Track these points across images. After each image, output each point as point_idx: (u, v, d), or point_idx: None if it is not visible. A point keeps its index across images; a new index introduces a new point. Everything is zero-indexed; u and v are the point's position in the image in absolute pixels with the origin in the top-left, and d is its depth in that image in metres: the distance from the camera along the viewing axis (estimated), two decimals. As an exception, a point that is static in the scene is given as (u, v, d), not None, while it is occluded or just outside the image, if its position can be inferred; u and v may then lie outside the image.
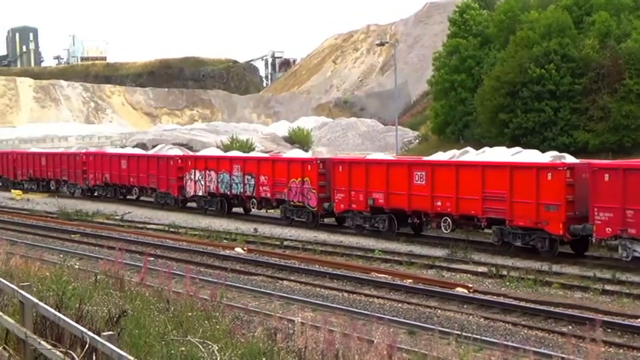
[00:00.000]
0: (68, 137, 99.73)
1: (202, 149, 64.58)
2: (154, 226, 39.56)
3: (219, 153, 49.34)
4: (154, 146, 75.26)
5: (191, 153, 51.62)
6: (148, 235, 35.77)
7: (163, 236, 35.41)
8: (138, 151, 57.71)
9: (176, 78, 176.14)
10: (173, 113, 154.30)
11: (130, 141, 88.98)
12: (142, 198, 49.85)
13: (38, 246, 31.82)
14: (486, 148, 36.87)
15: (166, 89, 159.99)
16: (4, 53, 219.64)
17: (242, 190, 40.47)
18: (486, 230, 30.39)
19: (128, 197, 50.54)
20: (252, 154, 50.78)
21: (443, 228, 31.06)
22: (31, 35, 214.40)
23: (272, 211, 40.82)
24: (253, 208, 40.83)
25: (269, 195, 38.98)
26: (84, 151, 57.39)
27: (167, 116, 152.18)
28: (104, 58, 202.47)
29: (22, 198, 54.68)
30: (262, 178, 39.30)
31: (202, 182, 43.03)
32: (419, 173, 31.80)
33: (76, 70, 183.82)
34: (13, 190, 57.17)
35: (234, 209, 42.54)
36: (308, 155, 42.65)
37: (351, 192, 34.46)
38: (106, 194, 51.89)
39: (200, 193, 43.33)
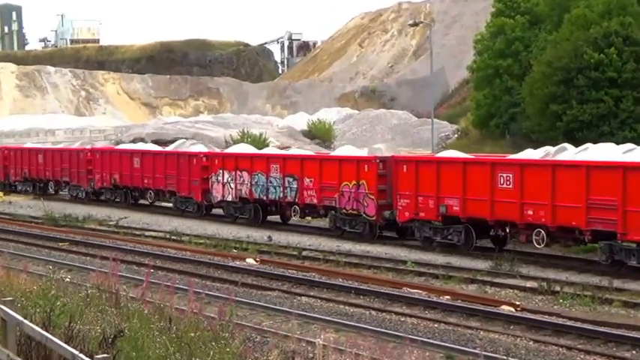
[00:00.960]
0: (56, 131, 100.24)
1: (209, 145, 64.74)
2: (153, 233, 39.72)
3: (252, 149, 47.11)
4: (153, 141, 75.61)
5: (218, 150, 49.84)
6: (147, 244, 35.94)
7: (164, 245, 35.57)
8: (153, 146, 55.50)
9: (179, 63, 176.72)
10: (175, 104, 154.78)
11: (127, 135, 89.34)
12: (157, 203, 48.75)
13: (22, 255, 32.03)
14: (589, 145, 34.13)
15: (168, 76, 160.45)
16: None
17: (281, 195, 39.16)
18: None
19: (141, 202, 49.42)
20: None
21: (535, 242, 29.68)
22: (13, 14, 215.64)
23: (311, 219, 39.87)
24: (295, 216, 39.56)
25: (315, 201, 37.60)
26: (89, 147, 56.10)
27: (169, 107, 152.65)
28: (97, 41, 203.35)
29: (2, 200, 55.01)
30: (307, 180, 37.89)
31: (232, 185, 41.69)
32: (504, 175, 30.41)
33: (65, 54, 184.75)
34: (-8, 192, 57.54)
35: (270, 217, 41.41)
36: (362, 153, 40.93)
37: (418, 197, 33.06)
38: (115, 198, 50.53)
39: (229, 199, 41.96)
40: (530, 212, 29.62)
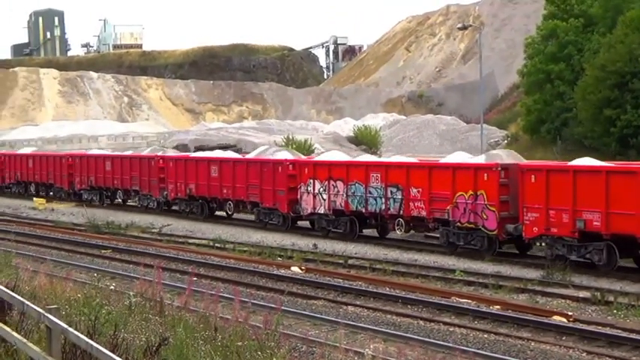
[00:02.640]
0: (98, 137, 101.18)
1: (252, 151, 65.03)
2: (196, 241, 39.92)
3: (344, 157, 44.66)
4: (196, 147, 76.16)
5: (303, 157, 46.90)
6: (190, 252, 36.13)
7: (208, 252, 35.73)
8: (232, 154, 53.66)
9: (222, 69, 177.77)
10: (219, 109, 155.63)
11: (170, 142, 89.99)
12: (236, 215, 46.40)
13: (64, 263, 32.32)
14: None
15: (211, 82, 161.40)
16: (26, 40, 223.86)
17: (383, 207, 36.59)
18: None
19: (218, 214, 47.23)
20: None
21: None
22: (56, 20, 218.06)
23: (415, 233, 37.58)
24: (399, 230, 36.39)
25: (424, 213, 34.91)
26: (160, 153, 53.81)
27: (212, 113, 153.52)
28: (139, 46, 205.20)
29: (45, 208, 55.60)
30: (414, 190, 35.28)
31: (324, 196, 39.32)
32: None
33: (108, 59, 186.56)
34: (35, 199, 58.13)
35: (365, 231, 39.17)
36: (470, 159, 38.29)
37: (548, 210, 30.28)
38: (191, 209, 47.93)
39: (321, 211, 39.56)
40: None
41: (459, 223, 33.52)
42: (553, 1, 76.43)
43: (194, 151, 68.71)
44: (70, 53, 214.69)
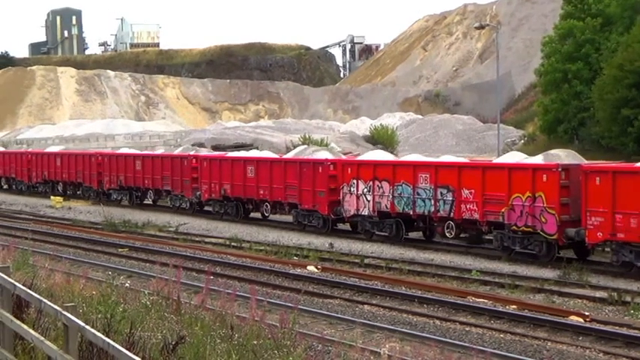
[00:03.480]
0: (115, 136, 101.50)
1: (269, 150, 65.07)
2: (213, 240, 39.99)
3: (389, 156, 42.89)
4: (213, 146, 76.24)
5: (344, 156, 45.38)
6: (207, 250, 36.19)
7: (224, 252, 35.78)
8: (269, 153, 51.95)
9: (239, 68, 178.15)
10: (235, 108, 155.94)
11: (186, 140, 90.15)
12: (272, 217, 45.07)
13: (81, 261, 32.44)
14: None
15: (228, 81, 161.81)
16: (44, 39, 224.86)
17: (432, 209, 35.06)
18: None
19: (253, 216, 45.91)
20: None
21: None
22: (73, 19, 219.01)
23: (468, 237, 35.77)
24: (449, 233, 34.85)
25: (477, 216, 33.34)
26: (193, 152, 52.52)
27: (228, 112, 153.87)
28: (157, 45, 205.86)
29: (62, 206, 55.79)
30: (466, 192, 33.74)
31: (369, 197, 37.72)
32: None
33: (125, 58, 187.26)
34: (52, 197, 58.31)
35: (410, 234, 37.60)
36: (536, 160, 35.88)
37: (615, 215, 28.83)
38: (225, 211, 46.45)
39: (365, 212, 38.00)
40: None
41: (514, 227, 31.99)
42: (571, 0, 76.24)
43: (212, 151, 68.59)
44: (87, 52, 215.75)
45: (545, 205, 30.97)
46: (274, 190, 42.77)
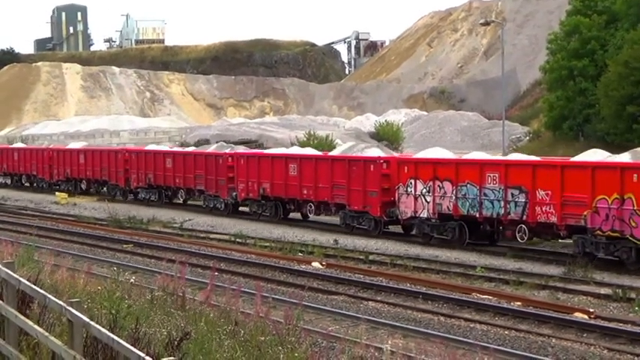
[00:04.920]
0: (120, 132, 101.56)
1: (274, 146, 65.07)
2: (217, 236, 40.01)
3: (448, 154, 40.23)
4: (217, 143, 76.18)
5: (395, 153, 42.66)
6: (212, 247, 36.21)
7: (229, 248, 35.80)
8: (312, 151, 48.85)
9: (244, 64, 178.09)
10: (240, 105, 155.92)
11: (191, 137, 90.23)
12: (314, 218, 43.18)
13: (86, 257, 32.48)
14: None
15: (233, 77, 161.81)
16: (49, 35, 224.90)
17: (502, 212, 32.56)
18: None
19: (292, 217, 43.90)
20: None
21: None
22: (79, 15, 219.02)
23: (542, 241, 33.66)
24: (521, 238, 32.24)
25: (553, 219, 30.86)
26: (229, 151, 50.72)
27: (233, 108, 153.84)
28: (162, 41, 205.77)
29: (67, 202, 55.80)
30: (541, 193, 31.21)
31: (428, 198, 35.26)
32: None
33: (130, 54, 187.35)
34: (57, 193, 58.25)
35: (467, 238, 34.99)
36: (608, 157, 34.17)
37: None
38: (263, 211, 44.29)
39: (424, 215, 35.57)
40: None
41: (599, 232, 29.52)
42: (577, -4, 76.12)
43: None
44: (92, 48, 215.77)
45: (635, 207, 28.43)
46: (319, 189, 40.51)
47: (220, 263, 31.25)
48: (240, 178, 44.96)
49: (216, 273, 26.76)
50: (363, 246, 35.50)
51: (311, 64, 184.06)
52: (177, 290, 17.53)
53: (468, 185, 33.76)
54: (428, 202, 35.33)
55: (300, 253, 34.08)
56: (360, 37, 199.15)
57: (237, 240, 38.17)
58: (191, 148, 59.33)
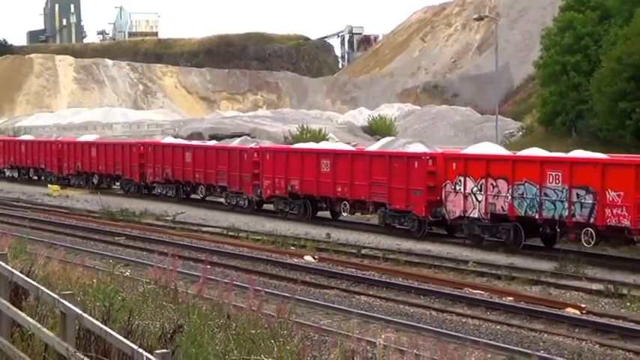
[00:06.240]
0: (113, 125, 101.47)
1: (267, 140, 65.06)
2: (210, 229, 39.99)
3: (502, 150, 38.57)
4: (210, 136, 76.24)
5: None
6: (204, 240, 36.20)
7: (221, 241, 35.80)
8: (344, 146, 47.34)
9: (237, 57, 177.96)
10: (234, 98, 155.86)
11: (184, 130, 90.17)
12: (347, 217, 40.82)
13: (78, 249, 32.45)
14: None
15: (226, 70, 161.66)
16: (42, 27, 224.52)
17: (565, 213, 30.13)
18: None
19: (321, 215, 41.95)
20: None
21: None
22: (72, 7, 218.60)
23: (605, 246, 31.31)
24: (587, 242, 29.80)
25: (626, 223, 28.39)
26: (254, 145, 48.87)
27: (226, 101, 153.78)
28: (155, 34, 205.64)
29: (59, 194, 55.70)
30: (611, 194, 28.74)
31: (479, 197, 32.92)
32: None
33: (123, 47, 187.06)
34: (50, 185, 58.13)
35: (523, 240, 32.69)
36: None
37: None
38: (290, 210, 42.36)
39: (474, 215, 33.21)
40: None
41: None
42: (570, -8, 76.15)
43: (209, 140, 68.41)
44: (85, 40, 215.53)
45: None
46: (356, 187, 38.14)
47: (213, 256, 31.23)
48: (266, 175, 42.87)
49: (209, 266, 26.76)
50: (356, 240, 35.52)
51: (304, 57, 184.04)
52: (170, 283, 17.54)
53: (526, 184, 31.31)
54: (479, 202, 32.97)
55: (292, 247, 34.11)
56: (353, 32, 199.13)
57: (230, 233, 38.17)
58: (212, 142, 57.20)
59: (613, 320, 21.48)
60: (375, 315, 22.17)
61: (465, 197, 33.33)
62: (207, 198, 49.16)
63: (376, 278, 27.30)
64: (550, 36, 77.18)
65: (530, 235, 32.20)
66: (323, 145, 46.58)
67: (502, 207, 32.15)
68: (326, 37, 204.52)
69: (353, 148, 43.31)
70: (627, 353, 18.92)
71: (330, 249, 33.37)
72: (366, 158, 38.62)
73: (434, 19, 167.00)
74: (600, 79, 65.57)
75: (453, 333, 20.20)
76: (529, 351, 18.64)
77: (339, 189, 38.99)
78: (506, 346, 19.19)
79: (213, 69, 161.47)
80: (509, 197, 31.74)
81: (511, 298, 24.02)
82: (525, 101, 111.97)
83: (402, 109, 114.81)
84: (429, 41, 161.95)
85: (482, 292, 24.94)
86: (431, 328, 20.61)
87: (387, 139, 51.22)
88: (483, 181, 32.72)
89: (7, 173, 67.91)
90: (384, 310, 23.04)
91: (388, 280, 26.87)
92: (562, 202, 30.15)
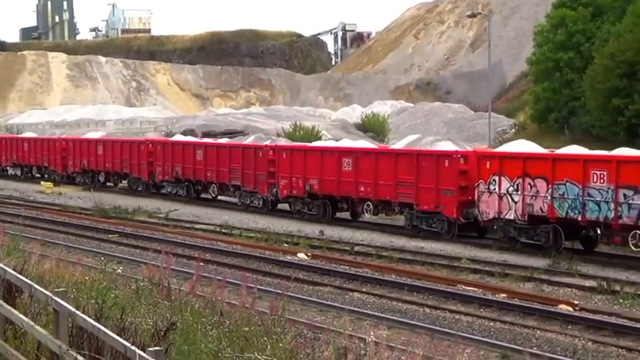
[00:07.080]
0: (106, 122, 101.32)
1: (260, 137, 64.95)
2: (203, 226, 39.97)
3: (536, 147, 36.66)
4: (203, 133, 76.16)
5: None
6: (197, 237, 36.16)
7: (214, 238, 35.76)
8: (365, 143, 46.24)
9: (230, 54, 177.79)
10: (226, 95, 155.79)
11: (177, 127, 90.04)
12: (367, 218, 39.57)
13: (71, 247, 32.40)
14: None
15: (219, 67, 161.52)
16: (34, 24, 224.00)
17: (611, 215, 28.48)
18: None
19: (339, 216, 40.54)
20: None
21: None
22: (64, 4, 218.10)
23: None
24: (636, 245, 28.25)
25: None
26: (269, 143, 47.68)
27: (219, 98, 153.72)
28: (148, 31, 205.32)
29: (52, 192, 55.60)
30: None
31: (516, 198, 31.39)
32: None
33: (116, 44, 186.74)
34: (43, 183, 58.03)
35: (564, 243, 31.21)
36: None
37: None
38: (309, 210, 40.72)
39: (510, 216, 31.68)
40: None
41: None
42: (563, -11, 76.30)
43: (201, 137, 68.34)
44: (78, 37, 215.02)
45: None
46: (380, 187, 36.70)
47: (206, 254, 31.18)
48: (283, 174, 41.54)
49: (202, 263, 26.75)
50: (349, 237, 35.51)
51: (297, 54, 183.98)
52: (163, 280, 17.51)
53: (567, 184, 29.77)
54: (515, 202, 31.43)
55: (285, 244, 34.08)
56: (346, 28, 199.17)
57: (223, 230, 38.14)
58: (225, 140, 55.65)
59: (606, 317, 21.49)
60: (368, 312, 22.16)
61: (500, 198, 31.92)
62: (218, 197, 48.05)
63: (369, 275, 27.29)
64: (543, 33, 77.36)
65: (569, 238, 30.82)
66: (344, 143, 45.13)
67: (541, 208, 30.69)
68: (319, 34, 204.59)
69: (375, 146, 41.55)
70: (620, 350, 18.93)
71: (323, 246, 33.33)
72: (392, 157, 37.32)
73: (427, 16, 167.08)
74: (593, 75, 65.71)
75: (447, 330, 20.20)
76: (522, 348, 18.65)
77: (362, 189, 37.64)
78: (500, 342, 19.19)
79: (205, 66, 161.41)
80: (549, 198, 30.31)
81: (504, 295, 24.03)
82: (518, 98, 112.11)
83: (395, 106, 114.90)
84: (422, 38, 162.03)
85: (475, 289, 24.94)
86: (424, 325, 20.59)
87: (413, 136, 49.56)
88: (520, 180, 31.25)
89: (10, 171, 67.09)
90: (377, 307, 23.03)
91: (381, 277, 26.87)
92: (607, 202, 28.62)
